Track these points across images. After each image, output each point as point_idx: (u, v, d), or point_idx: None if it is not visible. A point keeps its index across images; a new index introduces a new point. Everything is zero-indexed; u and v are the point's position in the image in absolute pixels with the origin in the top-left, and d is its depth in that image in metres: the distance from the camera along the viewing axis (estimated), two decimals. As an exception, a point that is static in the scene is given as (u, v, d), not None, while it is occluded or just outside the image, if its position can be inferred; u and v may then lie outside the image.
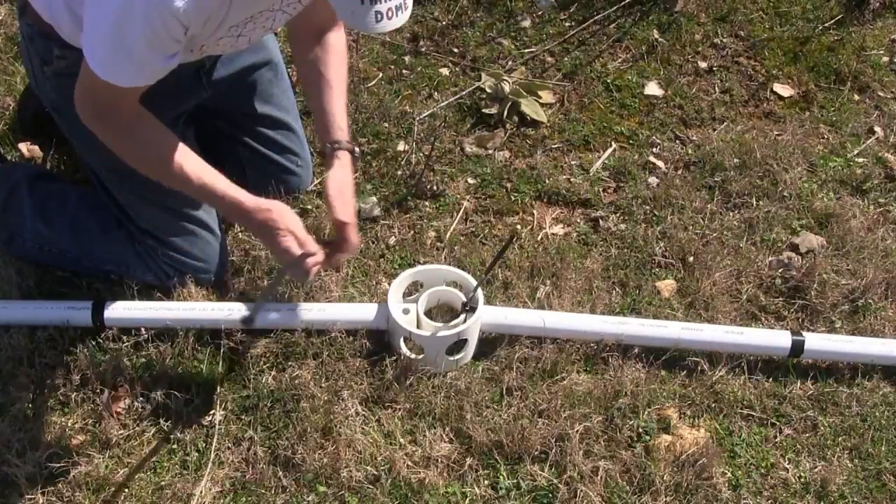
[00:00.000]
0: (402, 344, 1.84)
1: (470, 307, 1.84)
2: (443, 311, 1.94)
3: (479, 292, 1.83)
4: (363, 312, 1.86)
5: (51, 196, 1.97)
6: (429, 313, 1.89)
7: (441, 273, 1.93)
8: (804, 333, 1.90)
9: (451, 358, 1.84)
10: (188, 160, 1.63)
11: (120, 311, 1.85)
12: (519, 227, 2.22)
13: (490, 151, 2.46)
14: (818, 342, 1.90)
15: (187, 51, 1.59)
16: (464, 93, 2.60)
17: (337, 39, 1.87)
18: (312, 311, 1.87)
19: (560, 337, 1.90)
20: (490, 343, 1.91)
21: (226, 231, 2.06)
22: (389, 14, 1.32)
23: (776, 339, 1.89)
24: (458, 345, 1.83)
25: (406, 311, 1.83)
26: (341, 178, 1.77)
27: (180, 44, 1.47)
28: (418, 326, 1.83)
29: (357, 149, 1.86)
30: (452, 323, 1.83)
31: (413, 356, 1.83)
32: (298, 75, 1.89)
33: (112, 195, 1.91)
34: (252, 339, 1.86)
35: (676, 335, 1.88)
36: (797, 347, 1.88)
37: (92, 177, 1.93)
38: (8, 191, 1.97)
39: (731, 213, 2.30)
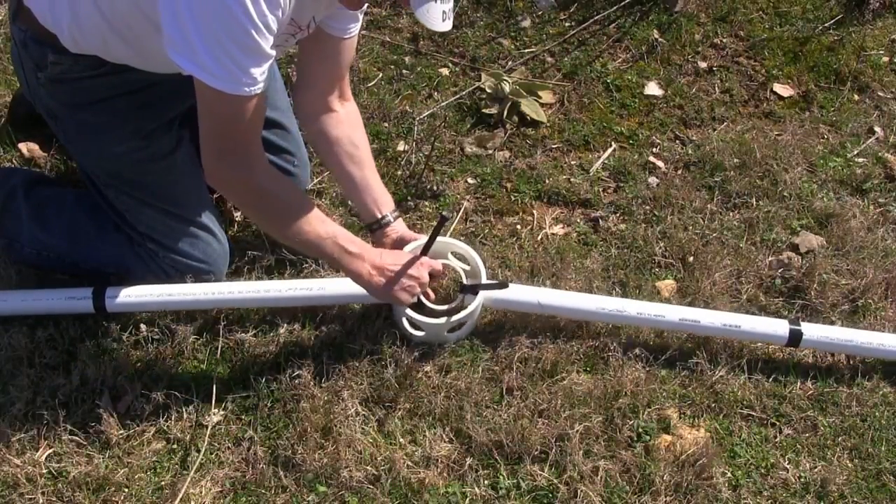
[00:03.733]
0: (404, 322, 1.86)
1: (471, 287, 1.86)
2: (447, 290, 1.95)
3: (482, 270, 1.88)
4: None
5: (47, 201, 1.97)
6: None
7: (446, 245, 1.95)
8: (802, 324, 1.91)
9: (452, 335, 1.87)
10: (324, 228, 1.68)
11: (121, 296, 1.85)
12: (518, 226, 2.22)
13: (490, 151, 2.46)
14: (816, 332, 1.90)
15: None
16: (464, 93, 2.60)
17: (353, 111, 1.93)
18: (313, 290, 1.87)
19: (555, 314, 1.90)
20: (490, 342, 1.91)
21: (225, 231, 2.05)
22: (450, 15, 1.50)
23: (774, 327, 1.90)
24: (460, 323, 1.86)
25: None
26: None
27: (275, 32, 1.46)
28: (420, 303, 1.85)
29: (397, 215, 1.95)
30: (454, 302, 1.86)
31: (414, 332, 1.86)
32: (321, 154, 2.00)
33: (110, 200, 1.90)
34: (252, 339, 1.86)
35: (675, 321, 1.88)
36: (795, 337, 1.88)
37: (89, 182, 1.92)
38: (4, 197, 1.96)
39: (731, 213, 2.30)
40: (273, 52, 1.48)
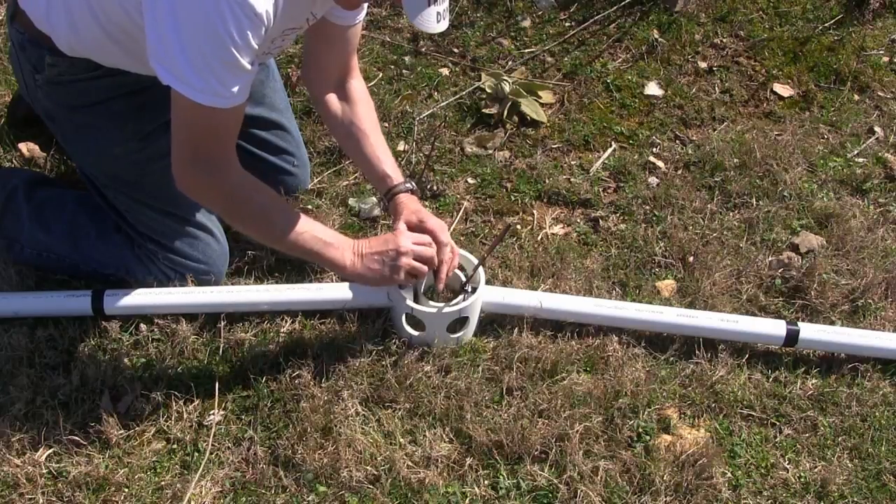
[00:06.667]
0: (403, 321, 1.85)
1: (472, 287, 1.87)
2: (449, 291, 1.95)
3: (481, 271, 1.87)
4: (364, 291, 1.87)
5: (48, 202, 1.97)
6: (432, 294, 1.90)
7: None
8: (799, 324, 1.91)
9: (453, 336, 1.86)
10: (300, 224, 1.67)
11: (120, 297, 1.86)
12: (519, 226, 2.23)
13: (490, 151, 2.46)
14: (813, 332, 1.90)
15: None
16: (464, 93, 2.60)
17: (358, 87, 1.94)
18: (311, 291, 1.88)
19: (556, 318, 1.91)
20: (490, 343, 1.91)
21: (225, 231, 2.06)
22: (445, 15, 1.51)
23: (771, 328, 1.90)
24: (460, 322, 1.85)
25: (406, 290, 1.85)
26: (415, 206, 1.87)
27: (258, 47, 1.48)
28: (418, 304, 1.85)
29: (413, 184, 1.93)
30: (454, 301, 1.85)
31: (415, 333, 1.85)
32: (332, 133, 2.07)
33: (110, 201, 1.90)
34: (252, 339, 1.86)
35: (672, 321, 1.89)
36: (792, 337, 1.88)
37: (88, 183, 1.92)
38: (5, 197, 1.96)
39: (731, 213, 2.30)
40: (254, 68, 1.50)
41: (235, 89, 1.49)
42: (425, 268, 1.77)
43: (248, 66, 1.47)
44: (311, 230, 1.69)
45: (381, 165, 1.90)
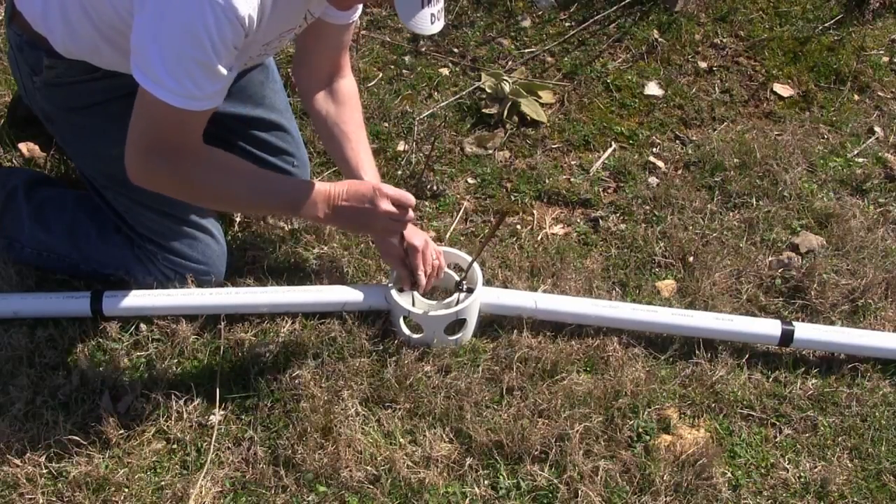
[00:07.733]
0: (401, 323, 1.86)
1: (467, 287, 1.86)
2: (442, 291, 1.95)
3: (479, 274, 1.86)
4: (361, 293, 1.88)
5: (48, 201, 1.97)
6: (432, 293, 1.90)
7: (446, 256, 1.95)
8: (794, 323, 1.91)
9: (451, 337, 1.86)
10: (267, 186, 1.66)
11: (119, 299, 1.86)
12: (518, 226, 2.23)
13: (490, 151, 2.46)
14: (808, 332, 1.90)
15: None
16: (464, 93, 2.60)
17: (347, 87, 1.93)
18: (310, 293, 1.89)
19: (551, 319, 1.91)
20: (490, 343, 1.91)
21: (225, 232, 2.06)
22: (439, 16, 1.50)
23: (766, 327, 1.90)
24: (458, 324, 1.86)
25: (403, 291, 1.86)
26: None
27: (237, 51, 1.47)
28: (414, 306, 1.85)
29: None
30: (447, 301, 1.86)
31: (413, 335, 1.86)
32: (317, 132, 2.06)
33: (109, 202, 1.90)
34: (252, 339, 1.86)
35: (667, 321, 1.89)
36: (787, 336, 1.88)
37: (88, 184, 1.92)
38: (5, 196, 1.96)
39: (731, 213, 2.30)
40: (230, 74, 1.48)
41: (210, 92, 1.47)
42: (399, 228, 1.74)
43: (225, 72, 1.46)
44: (278, 189, 1.66)
45: (360, 172, 1.88)
